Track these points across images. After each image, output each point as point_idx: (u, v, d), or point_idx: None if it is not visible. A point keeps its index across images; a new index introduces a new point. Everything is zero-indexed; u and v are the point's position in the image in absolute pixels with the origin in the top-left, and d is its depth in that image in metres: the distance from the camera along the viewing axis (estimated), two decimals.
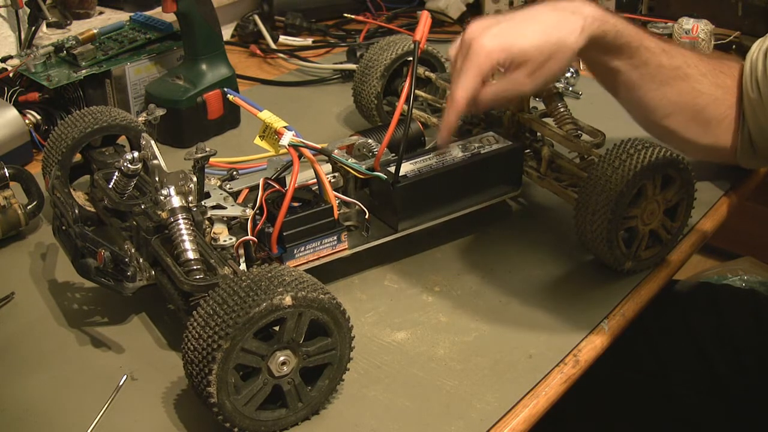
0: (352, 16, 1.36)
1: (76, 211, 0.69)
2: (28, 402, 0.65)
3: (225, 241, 0.70)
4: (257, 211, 0.72)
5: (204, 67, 1.04)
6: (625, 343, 0.77)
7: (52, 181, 0.74)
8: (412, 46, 0.75)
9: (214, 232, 0.71)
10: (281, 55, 1.30)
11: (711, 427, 0.95)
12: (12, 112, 0.97)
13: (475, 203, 0.81)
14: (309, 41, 1.33)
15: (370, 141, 0.82)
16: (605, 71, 0.79)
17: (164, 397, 0.65)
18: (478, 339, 0.71)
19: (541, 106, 0.88)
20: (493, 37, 0.71)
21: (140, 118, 0.84)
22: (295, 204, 0.72)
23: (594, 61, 0.78)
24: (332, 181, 0.77)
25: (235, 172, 0.79)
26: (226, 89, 0.80)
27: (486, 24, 0.72)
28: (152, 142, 0.72)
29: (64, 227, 0.70)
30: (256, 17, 1.35)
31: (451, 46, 0.77)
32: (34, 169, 0.91)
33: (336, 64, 1.25)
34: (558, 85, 0.85)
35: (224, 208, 0.72)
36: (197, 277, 0.65)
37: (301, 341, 0.59)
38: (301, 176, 0.71)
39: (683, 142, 0.83)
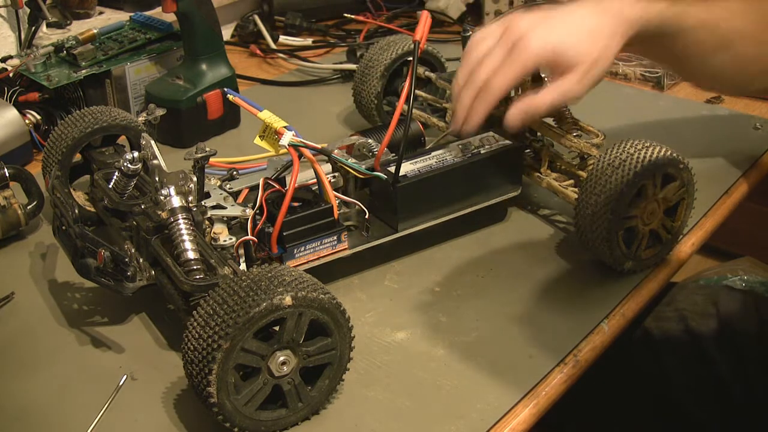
0: (352, 16, 1.36)
1: (76, 211, 0.69)
2: (27, 402, 0.65)
3: (225, 241, 0.70)
4: (257, 211, 0.72)
5: (204, 67, 1.04)
6: (624, 344, 0.78)
7: (52, 181, 0.74)
8: (412, 46, 0.75)
9: (214, 232, 0.71)
10: (281, 55, 1.30)
11: (712, 429, 0.95)
12: (12, 112, 0.97)
13: (475, 203, 0.81)
14: (309, 41, 1.33)
15: (370, 141, 0.82)
16: (649, 56, 0.79)
17: (164, 397, 0.65)
18: (478, 339, 0.71)
19: None
20: (542, 37, 0.71)
21: (140, 118, 0.84)
22: (295, 204, 0.72)
23: (637, 50, 0.79)
24: (332, 181, 0.76)
25: (235, 172, 0.79)
26: (226, 89, 0.80)
27: (533, 20, 0.72)
28: (152, 142, 0.72)
29: (64, 227, 0.70)
30: (256, 17, 1.35)
31: (482, 31, 0.76)
32: (34, 169, 0.91)
33: (336, 64, 1.25)
34: None
35: (224, 208, 0.72)
36: (197, 277, 0.65)
37: (301, 341, 0.59)
38: (301, 176, 0.71)
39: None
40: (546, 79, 0.81)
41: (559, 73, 0.72)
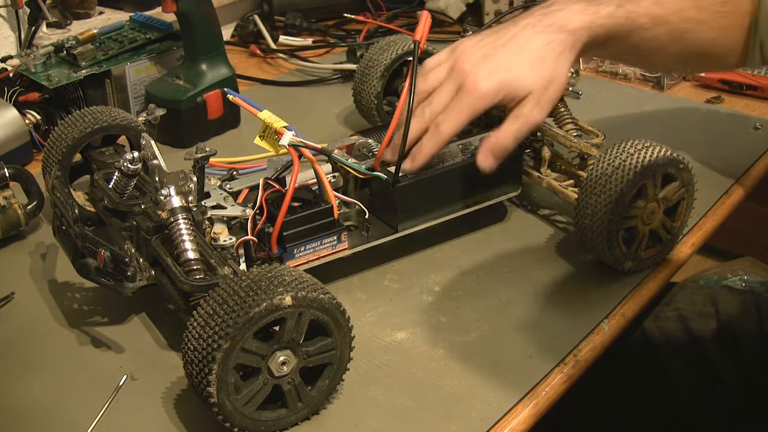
0: (352, 16, 1.36)
1: (76, 211, 0.69)
2: (28, 402, 0.65)
3: (225, 241, 0.70)
4: (257, 211, 0.72)
5: (204, 67, 1.04)
6: (624, 345, 0.78)
7: (52, 181, 0.74)
8: (412, 46, 0.75)
9: (214, 232, 0.71)
10: (281, 55, 1.30)
11: (712, 429, 0.95)
12: (12, 112, 0.97)
13: (475, 203, 0.81)
14: (309, 41, 1.33)
15: (370, 141, 0.82)
16: (601, 57, 0.80)
17: (164, 397, 0.65)
18: (478, 339, 0.71)
19: None
20: (487, 77, 0.71)
21: (140, 118, 0.84)
22: (295, 204, 0.72)
23: (592, 55, 0.79)
24: (332, 181, 0.77)
25: (235, 172, 0.79)
26: (226, 89, 0.80)
27: (476, 56, 0.72)
28: (152, 142, 0.72)
29: (64, 227, 0.70)
30: (256, 17, 1.35)
31: (433, 59, 0.77)
32: (34, 169, 0.91)
33: (336, 64, 1.25)
34: None
35: (224, 208, 0.72)
36: (197, 277, 0.65)
37: (301, 341, 0.59)
38: (301, 176, 0.71)
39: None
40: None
41: (514, 104, 0.72)
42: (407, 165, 0.75)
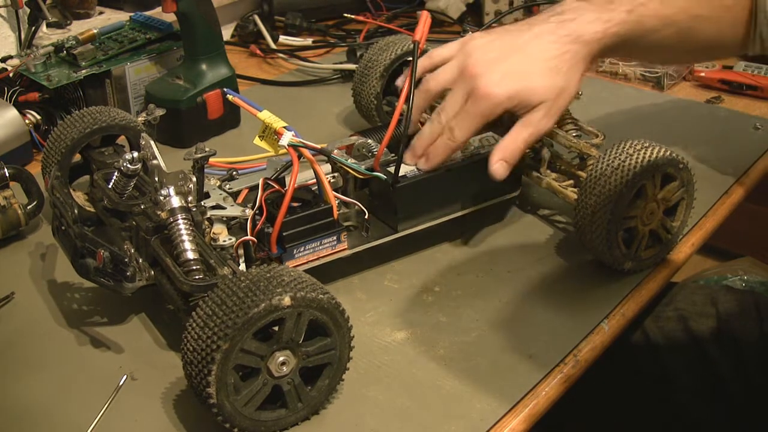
0: (352, 16, 1.36)
1: (76, 211, 0.69)
2: (28, 402, 0.65)
3: (224, 241, 0.70)
4: (257, 212, 0.72)
5: (204, 67, 1.04)
6: (624, 345, 0.78)
7: (52, 181, 0.74)
8: (412, 46, 0.75)
9: (213, 233, 0.71)
10: (281, 55, 1.30)
11: (712, 429, 0.95)
12: (12, 112, 0.97)
13: (475, 204, 0.81)
14: (309, 41, 1.33)
15: (369, 141, 0.82)
16: (616, 58, 0.80)
17: (164, 397, 0.65)
18: (478, 339, 0.71)
19: None
20: (499, 83, 0.70)
21: (140, 118, 0.84)
22: (295, 204, 0.72)
23: (600, 58, 0.80)
24: (332, 181, 0.76)
25: (234, 172, 0.79)
26: (226, 89, 0.80)
27: (487, 58, 0.72)
28: (152, 142, 0.72)
29: (63, 227, 0.70)
30: (256, 17, 1.35)
31: (440, 51, 0.77)
32: (34, 169, 0.91)
33: (336, 64, 1.25)
34: None
35: (224, 208, 0.72)
36: (196, 277, 0.65)
37: (301, 341, 0.59)
38: (300, 176, 0.71)
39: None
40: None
41: (525, 112, 0.72)
42: (422, 164, 0.76)
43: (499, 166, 0.74)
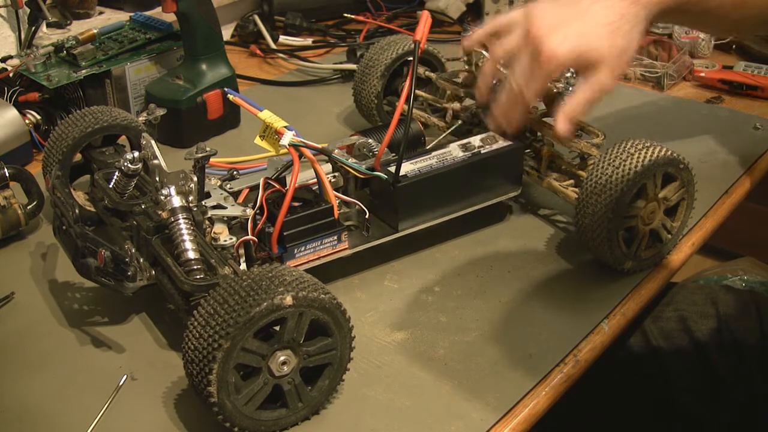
0: (352, 16, 1.36)
1: (77, 210, 0.69)
2: (28, 402, 0.65)
3: (225, 240, 0.70)
4: (257, 211, 0.72)
5: (204, 67, 1.04)
6: (624, 344, 0.78)
7: (53, 180, 0.74)
8: (412, 46, 0.75)
9: (214, 232, 0.71)
10: (281, 55, 1.30)
11: (712, 429, 0.95)
12: (12, 112, 0.97)
13: (476, 203, 0.81)
14: (309, 41, 1.33)
15: (370, 141, 0.82)
16: (670, 22, 0.81)
17: (164, 397, 0.65)
18: (478, 339, 0.71)
19: (541, 106, 0.88)
20: (563, 43, 0.71)
21: (140, 118, 0.84)
22: (296, 204, 0.72)
23: (658, 22, 0.81)
24: (332, 180, 0.77)
25: (235, 172, 0.79)
26: (226, 89, 0.80)
27: (550, 23, 0.72)
28: (152, 141, 0.72)
29: (64, 227, 0.70)
30: (256, 17, 1.35)
31: (504, 18, 0.77)
32: (34, 169, 0.91)
33: (336, 64, 1.25)
34: (558, 85, 0.85)
35: (225, 207, 0.72)
36: (197, 276, 0.65)
37: (302, 341, 0.59)
38: (301, 176, 0.71)
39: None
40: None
41: (587, 71, 0.72)
42: (504, 128, 0.75)
43: (564, 126, 0.73)
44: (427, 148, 0.83)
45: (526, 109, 0.74)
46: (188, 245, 0.66)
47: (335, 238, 0.73)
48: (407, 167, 0.77)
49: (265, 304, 0.56)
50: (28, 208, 0.84)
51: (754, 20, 0.83)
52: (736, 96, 1.13)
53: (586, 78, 0.73)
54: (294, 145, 0.70)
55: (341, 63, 1.24)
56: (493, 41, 0.77)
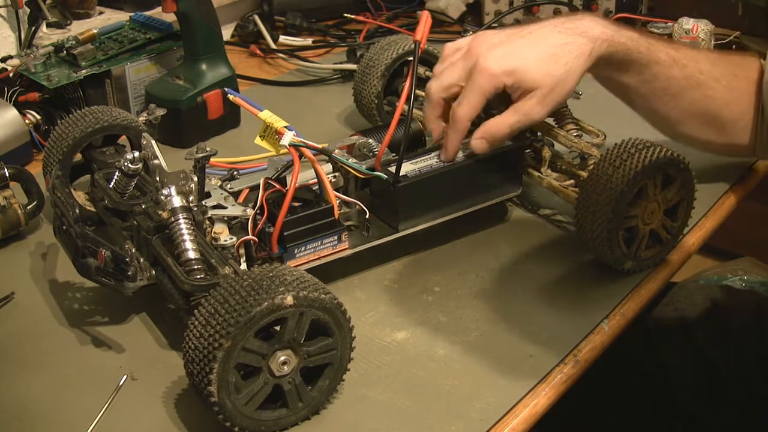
0: (352, 16, 1.36)
1: (77, 210, 0.69)
2: (28, 402, 0.65)
3: (226, 240, 0.70)
4: (258, 211, 0.72)
5: (204, 67, 1.04)
6: (624, 344, 0.78)
7: (53, 180, 0.74)
8: (413, 46, 0.75)
9: (214, 232, 0.71)
10: (281, 55, 1.30)
11: (712, 429, 0.95)
12: (12, 112, 0.97)
13: (476, 203, 0.81)
14: (309, 41, 1.33)
15: (370, 141, 0.82)
16: (615, 85, 0.80)
17: (164, 397, 0.65)
18: (478, 339, 0.71)
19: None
20: (498, 60, 0.71)
21: (141, 118, 0.84)
22: (296, 204, 0.72)
23: (603, 77, 0.79)
24: (333, 180, 0.77)
25: (235, 172, 0.79)
26: (226, 89, 0.80)
27: (492, 41, 0.72)
28: (153, 141, 0.72)
29: (64, 227, 0.70)
30: (256, 17, 1.35)
31: (450, 44, 0.77)
32: (34, 169, 0.91)
33: (336, 64, 1.25)
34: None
35: (225, 207, 0.72)
36: (198, 276, 0.65)
37: (302, 341, 0.59)
38: (301, 176, 0.71)
39: (701, 144, 0.85)
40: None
41: (519, 95, 0.72)
42: (442, 157, 0.77)
43: (479, 142, 0.74)
44: (428, 147, 0.83)
45: (464, 133, 0.75)
46: (188, 245, 0.66)
47: (335, 238, 0.73)
48: (407, 167, 0.77)
49: (265, 303, 0.56)
50: (28, 208, 0.84)
51: (706, 119, 0.82)
52: None
53: (515, 102, 0.73)
54: (294, 145, 0.70)
55: (341, 63, 1.24)
56: (437, 69, 0.77)
